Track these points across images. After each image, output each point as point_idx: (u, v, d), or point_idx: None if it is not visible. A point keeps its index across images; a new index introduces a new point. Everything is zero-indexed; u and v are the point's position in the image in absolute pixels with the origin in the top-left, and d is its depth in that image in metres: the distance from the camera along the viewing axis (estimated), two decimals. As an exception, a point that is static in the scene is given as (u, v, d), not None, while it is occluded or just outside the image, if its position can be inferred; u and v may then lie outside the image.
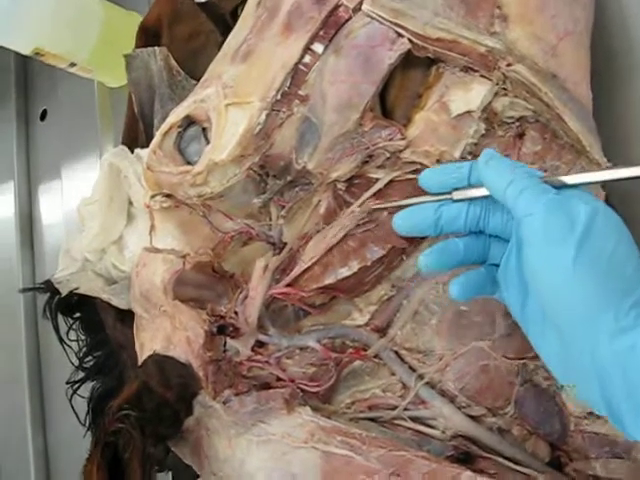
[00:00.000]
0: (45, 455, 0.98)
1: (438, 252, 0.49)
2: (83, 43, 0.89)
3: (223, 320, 0.57)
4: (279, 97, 0.55)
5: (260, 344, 0.58)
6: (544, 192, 0.43)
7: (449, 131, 0.56)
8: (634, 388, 0.39)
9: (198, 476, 0.62)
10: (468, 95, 0.56)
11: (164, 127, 0.59)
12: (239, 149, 0.55)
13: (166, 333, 0.58)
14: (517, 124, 0.57)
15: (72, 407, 0.80)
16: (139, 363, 0.60)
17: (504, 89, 0.56)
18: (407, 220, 0.50)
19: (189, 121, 0.59)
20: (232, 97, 0.56)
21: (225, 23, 0.78)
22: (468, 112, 0.56)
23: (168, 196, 0.61)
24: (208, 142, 0.58)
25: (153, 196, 0.61)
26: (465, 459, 0.55)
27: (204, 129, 0.59)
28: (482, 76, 0.56)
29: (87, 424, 0.79)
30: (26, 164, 1.12)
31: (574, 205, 0.42)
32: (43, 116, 1.11)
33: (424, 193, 0.53)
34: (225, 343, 0.57)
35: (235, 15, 0.78)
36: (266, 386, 0.57)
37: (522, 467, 0.54)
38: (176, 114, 0.59)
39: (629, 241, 0.42)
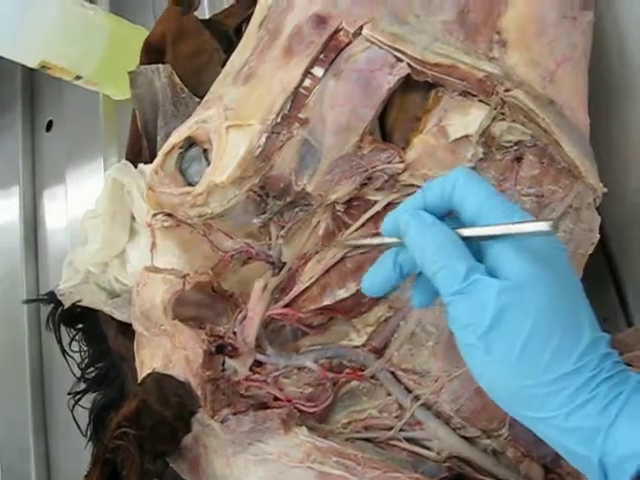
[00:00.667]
0: (47, 463, 0.99)
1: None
2: (89, 57, 0.90)
3: (222, 340, 0.58)
4: (279, 120, 0.56)
5: (258, 364, 0.58)
6: (454, 277, 0.40)
7: (447, 155, 0.56)
8: None
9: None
10: (466, 119, 0.56)
11: (166, 147, 0.60)
12: (239, 171, 0.56)
13: (165, 352, 0.58)
14: (515, 148, 0.57)
15: (74, 418, 0.80)
16: (139, 380, 0.60)
17: (502, 114, 0.56)
18: (372, 282, 0.47)
19: (190, 142, 0.60)
20: (233, 119, 0.57)
21: (229, 40, 0.79)
22: (466, 136, 0.56)
23: (169, 215, 0.61)
24: (209, 163, 0.58)
25: (155, 215, 0.62)
26: (459, 481, 0.56)
27: (205, 150, 0.59)
28: (480, 101, 0.56)
29: (89, 435, 0.80)
30: (31, 172, 1.13)
31: (484, 292, 0.39)
32: (49, 127, 1.12)
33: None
34: (224, 362, 0.58)
35: (239, 32, 0.79)
36: (263, 405, 0.57)
37: (516, 489, 0.55)
38: (178, 135, 0.60)
39: (548, 322, 0.39)
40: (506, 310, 0.39)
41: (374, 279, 0.46)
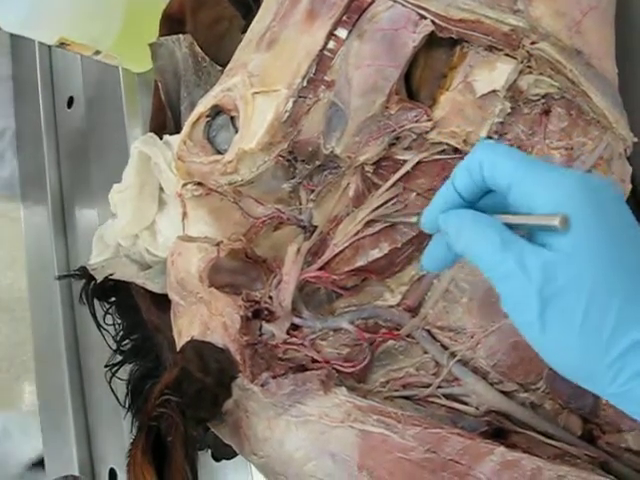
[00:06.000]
0: (86, 436, 1.00)
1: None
2: (107, 31, 0.90)
3: (258, 305, 0.59)
4: (305, 84, 0.56)
5: (295, 327, 0.59)
6: (492, 251, 0.37)
7: (475, 111, 0.56)
8: None
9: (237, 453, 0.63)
10: (492, 74, 0.56)
11: (193, 117, 0.60)
12: (268, 137, 0.56)
13: (203, 319, 0.59)
14: (543, 101, 0.57)
15: (112, 389, 0.82)
16: (177, 349, 0.61)
17: (529, 67, 0.56)
18: (431, 260, 0.46)
19: (217, 110, 0.60)
20: (258, 86, 0.57)
21: (247, 6, 0.78)
22: (493, 91, 0.56)
23: (199, 184, 0.62)
24: (237, 130, 0.58)
25: (184, 185, 0.62)
26: (498, 434, 0.56)
27: (232, 118, 0.59)
28: (506, 55, 0.56)
29: (127, 405, 0.82)
30: (55, 149, 1.13)
31: (530, 266, 0.36)
32: (70, 103, 1.12)
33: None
34: (261, 327, 0.58)
35: (257, -3, 0.79)
36: (302, 368, 0.58)
37: (555, 441, 0.55)
38: (204, 104, 0.60)
39: (607, 285, 0.35)
40: (556, 283, 0.35)
41: (432, 258, 0.45)
